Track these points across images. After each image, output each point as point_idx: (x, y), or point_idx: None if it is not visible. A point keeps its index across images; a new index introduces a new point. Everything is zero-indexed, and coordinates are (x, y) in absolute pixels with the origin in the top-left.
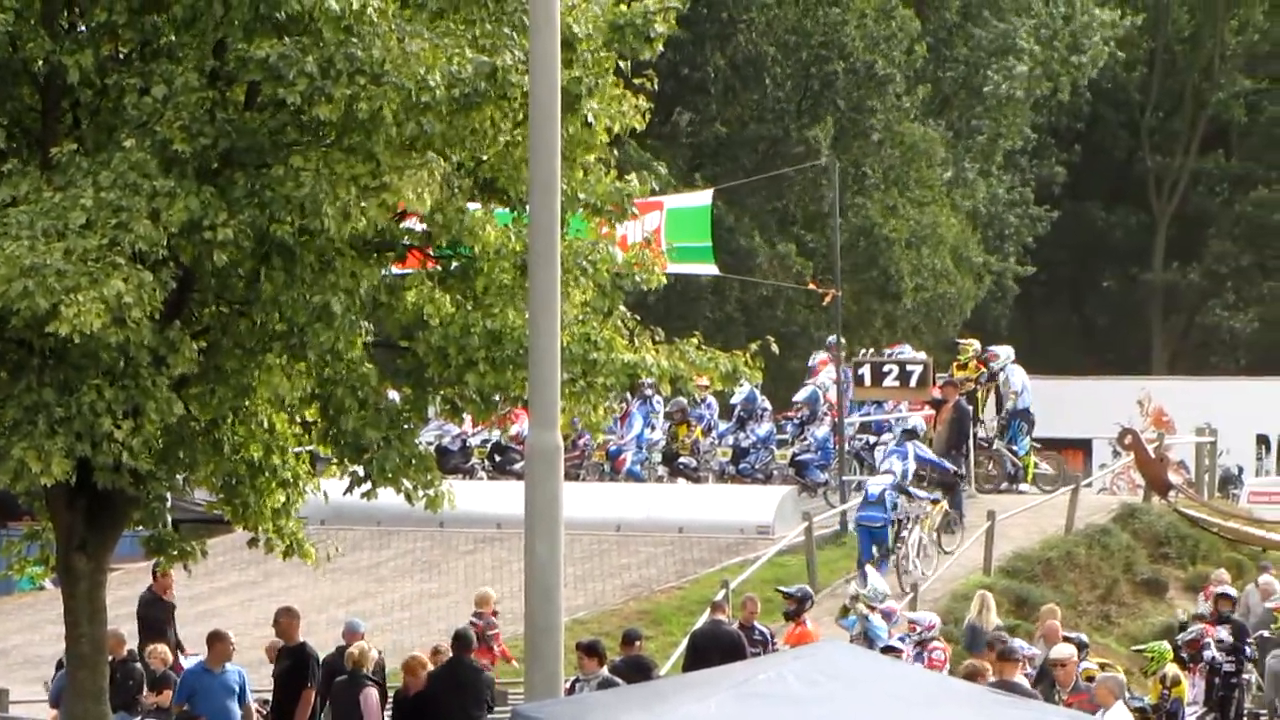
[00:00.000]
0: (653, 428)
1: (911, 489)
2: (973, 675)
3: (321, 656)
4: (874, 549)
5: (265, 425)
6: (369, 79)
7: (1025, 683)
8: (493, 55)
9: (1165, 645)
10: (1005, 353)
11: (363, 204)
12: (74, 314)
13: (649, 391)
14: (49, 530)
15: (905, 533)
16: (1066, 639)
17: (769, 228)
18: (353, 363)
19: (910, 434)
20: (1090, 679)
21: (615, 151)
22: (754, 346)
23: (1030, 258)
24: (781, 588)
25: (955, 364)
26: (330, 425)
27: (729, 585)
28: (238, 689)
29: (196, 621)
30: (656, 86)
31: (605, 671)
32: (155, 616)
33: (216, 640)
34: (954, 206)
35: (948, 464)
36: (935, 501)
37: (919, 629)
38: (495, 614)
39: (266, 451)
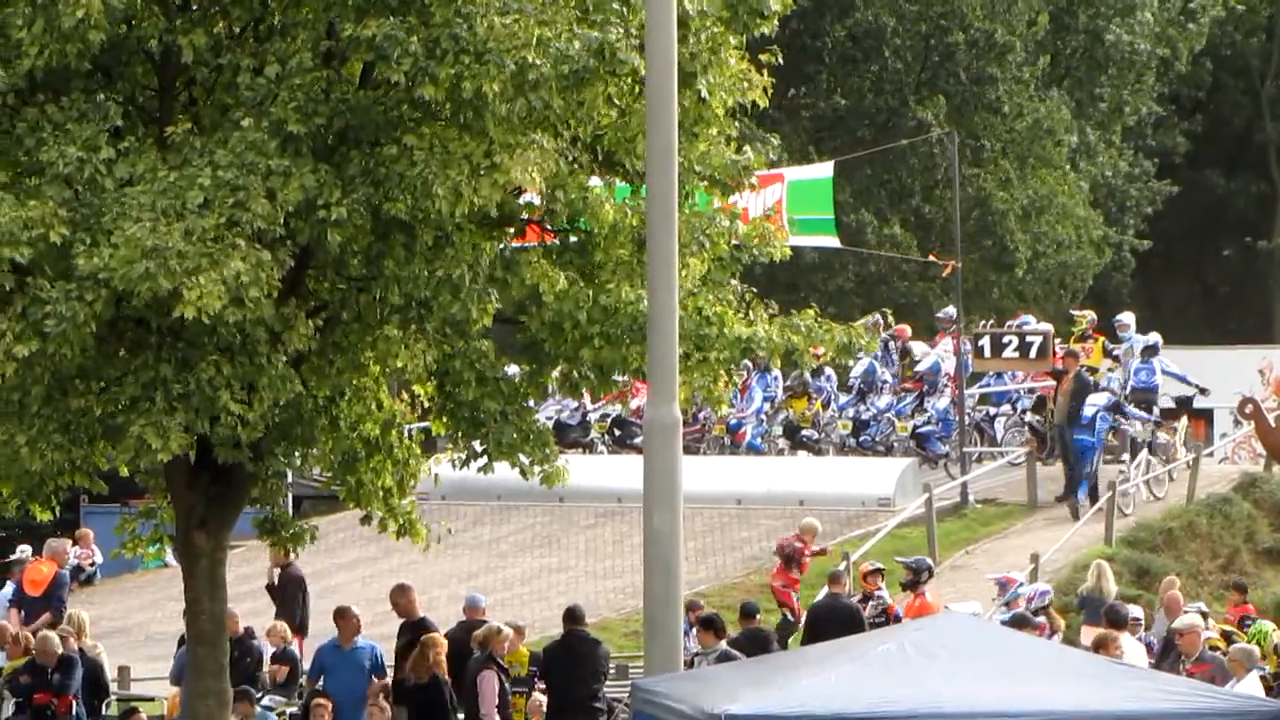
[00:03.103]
0: (771, 401)
1: (1131, 409)
2: (1100, 646)
3: (443, 632)
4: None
5: (379, 404)
6: (473, 58)
7: (1140, 647)
8: (601, 31)
9: (1267, 624)
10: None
11: (474, 183)
12: (196, 296)
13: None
14: (164, 509)
15: (1127, 456)
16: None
17: (884, 201)
18: (472, 336)
19: (1151, 350)
20: (1214, 649)
21: (737, 124)
22: (868, 319)
23: (1150, 227)
24: (900, 558)
25: (1072, 335)
26: (447, 400)
27: (849, 558)
28: (369, 664)
29: (317, 598)
30: (780, 60)
31: (724, 645)
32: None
33: (341, 617)
34: (1075, 176)
35: (1190, 379)
36: (1158, 424)
37: (1033, 599)
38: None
39: (383, 429)
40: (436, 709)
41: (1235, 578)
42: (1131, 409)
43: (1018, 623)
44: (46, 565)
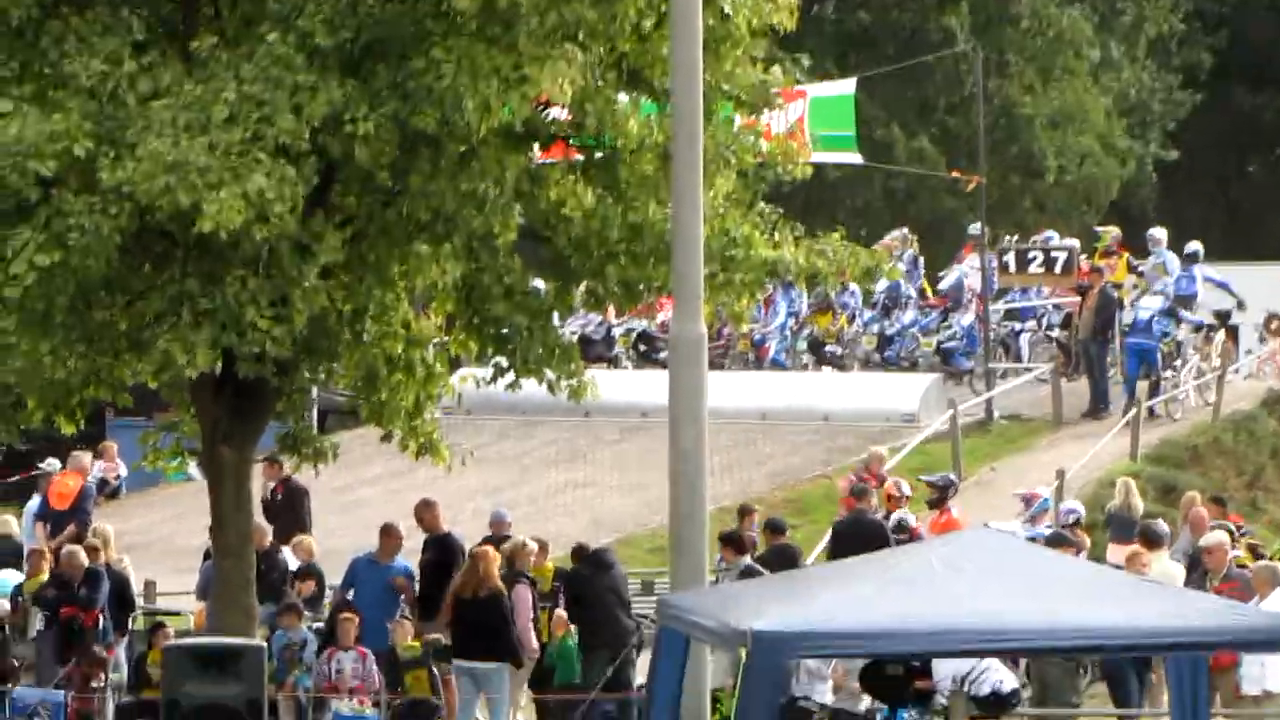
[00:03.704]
0: (796, 316)
1: (1183, 313)
2: (1131, 562)
3: (468, 547)
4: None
5: (406, 325)
6: None
7: (1178, 566)
8: None
9: None
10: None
11: (504, 95)
12: (216, 210)
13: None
14: (186, 422)
15: (1178, 363)
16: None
17: (909, 116)
18: (499, 251)
19: (1192, 257)
20: (1243, 566)
21: (765, 47)
22: (890, 237)
23: (1175, 143)
24: (924, 477)
25: (1095, 251)
26: (474, 314)
27: (853, 482)
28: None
29: (342, 512)
30: None
31: (747, 560)
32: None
33: (385, 534)
34: (1100, 89)
35: (1232, 286)
36: (1209, 328)
37: (1062, 514)
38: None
39: (407, 345)
40: (496, 622)
41: (1214, 492)
42: (1184, 313)
43: (1055, 541)
44: (72, 479)
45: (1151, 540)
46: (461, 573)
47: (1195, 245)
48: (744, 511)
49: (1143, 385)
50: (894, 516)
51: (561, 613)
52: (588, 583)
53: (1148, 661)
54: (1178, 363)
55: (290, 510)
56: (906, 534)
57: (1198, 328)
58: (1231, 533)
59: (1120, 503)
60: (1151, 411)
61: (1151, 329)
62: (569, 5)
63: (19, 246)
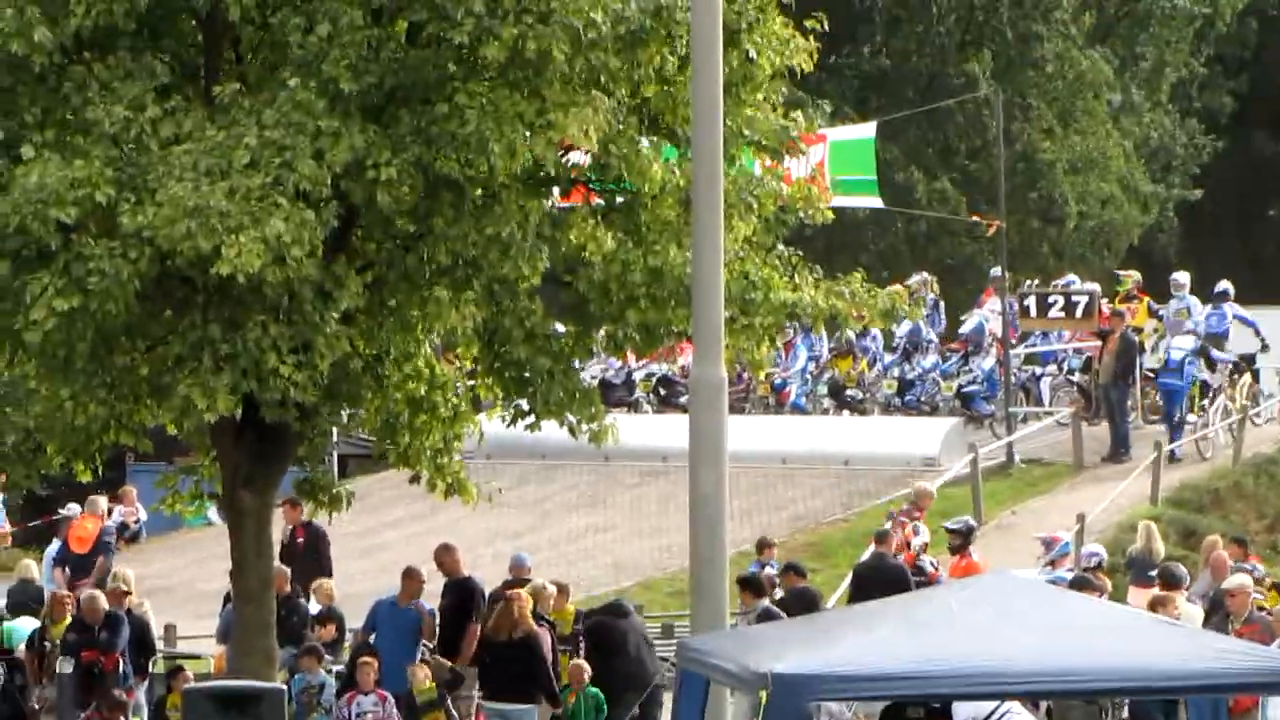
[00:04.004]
0: (816, 361)
1: (1215, 353)
2: (1157, 606)
3: (488, 591)
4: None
5: (432, 369)
6: (536, 18)
7: (1197, 609)
8: None
9: None
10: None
11: (529, 140)
12: (235, 254)
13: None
14: (206, 466)
15: (1206, 402)
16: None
17: (930, 161)
18: (521, 295)
19: (1222, 295)
20: (1261, 609)
21: (784, 90)
22: (912, 280)
23: (1196, 187)
24: (946, 524)
25: (1116, 296)
26: (495, 358)
27: (895, 517)
28: (422, 627)
29: (363, 556)
30: (825, 27)
31: (765, 602)
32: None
33: (407, 577)
34: (1121, 133)
35: (1261, 328)
36: (1238, 369)
37: (1084, 560)
38: None
39: (429, 388)
40: (531, 664)
41: (1236, 533)
42: (1215, 352)
43: (1079, 584)
44: (90, 522)
45: (1171, 582)
46: (496, 615)
47: (1225, 284)
48: (762, 545)
49: (1161, 430)
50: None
51: (580, 662)
52: (611, 629)
53: (1175, 704)
54: (1205, 401)
55: (313, 554)
56: (925, 578)
57: (1232, 366)
58: (1254, 575)
59: (1142, 546)
60: (1173, 455)
61: (1184, 370)
62: (594, 52)
63: (38, 292)
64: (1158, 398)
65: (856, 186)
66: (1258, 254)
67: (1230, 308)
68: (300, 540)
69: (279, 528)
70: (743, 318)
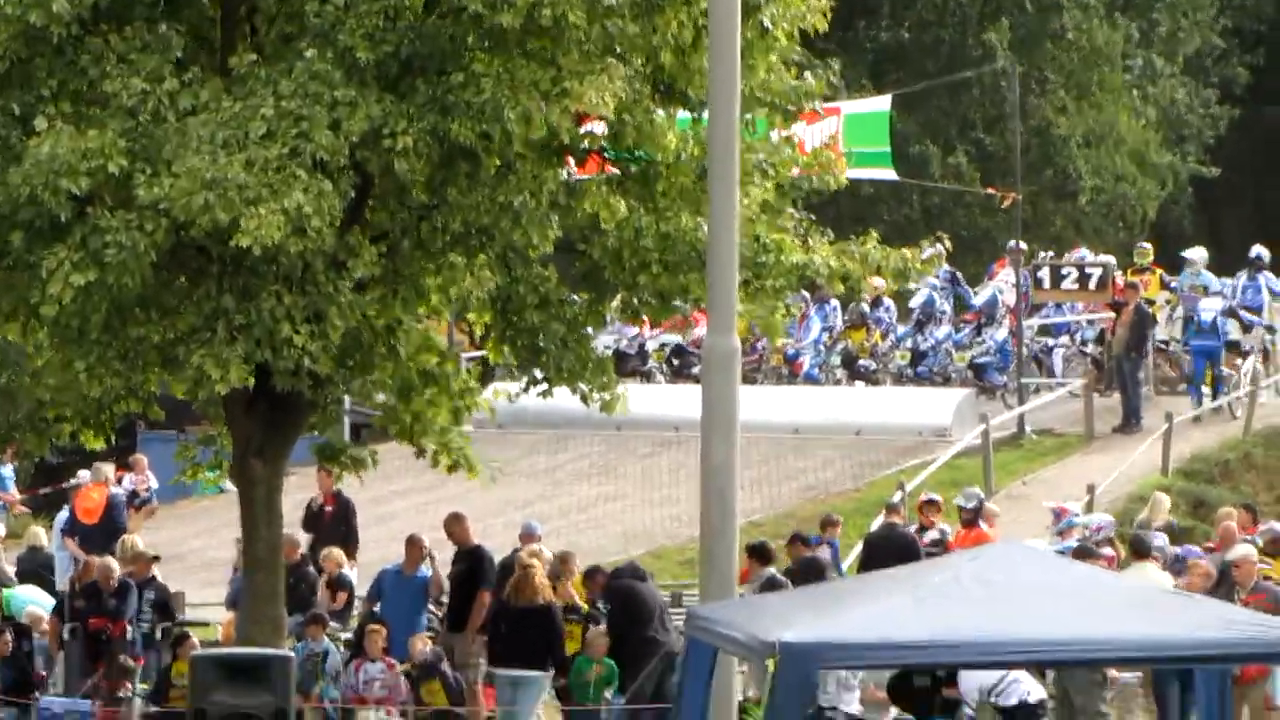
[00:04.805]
0: (830, 331)
1: (1244, 314)
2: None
3: (498, 559)
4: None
5: (449, 338)
6: None
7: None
8: None
9: None
10: (1199, 256)
11: (544, 108)
12: (255, 226)
13: (827, 294)
14: (223, 435)
15: (1240, 360)
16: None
17: (947, 133)
18: (534, 262)
19: (1257, 263)
20: (1268, 579)
21: (796, 52)
22: (925, 244)
23: (1212, 159)
24: (958, 501)
25: (1131, 269)
26: (508, 327)
27: (905, 488)
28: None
29: (374, 525)
30: None
31: (770, 571)
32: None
33: (410, 545)
34: (1135, 108)
35: None
36: (1271, 329)
37: (1090, 531)
38: None
39: (440, 359)
40: (548, 634)
41: (1246, 500)
42: (1244, 313)
43: (1082, 554)
44: (97, 492)
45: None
46: (512, 581)
47: (1260, 249)
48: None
49: (1173, 402)
50: (927, 535)
51: (601, 629)
52: (639, 594)
53: (1190, 671)
54: (1239, 360)
55: (341, 525)
56: (942, 548)
57: (1270, 329)
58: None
59: (1144, 517)
60: (1222, 407)
61: (1217, 329)
62: (611, 19)
63: (55, 266)
64: (1168, 369)
65: (871, 159)
66: (1272, 227)
67: (1264, 278)
68: (329, 509)
69: (302, 495)
70: (755, 280)
